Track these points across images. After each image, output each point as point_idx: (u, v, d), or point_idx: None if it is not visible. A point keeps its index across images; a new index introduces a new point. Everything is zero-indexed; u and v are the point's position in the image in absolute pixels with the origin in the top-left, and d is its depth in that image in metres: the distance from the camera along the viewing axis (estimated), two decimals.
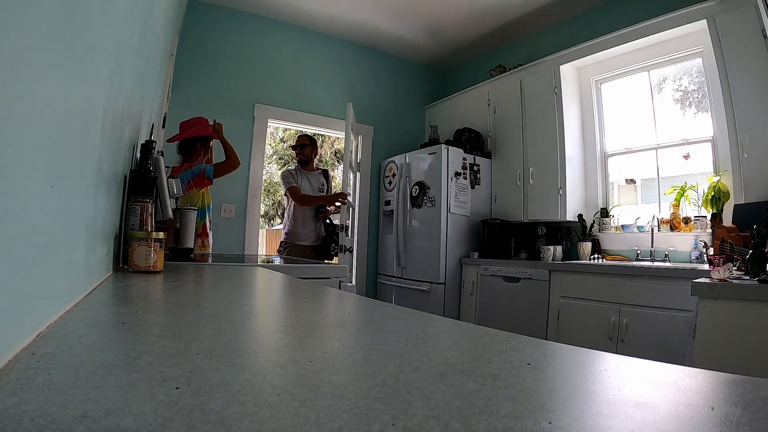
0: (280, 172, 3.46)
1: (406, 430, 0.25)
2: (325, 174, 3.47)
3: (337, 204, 3.28)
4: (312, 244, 3.25)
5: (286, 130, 12.07)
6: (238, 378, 0.33)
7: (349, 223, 3.63)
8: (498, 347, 0.49)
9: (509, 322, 3.08)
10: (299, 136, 3.49)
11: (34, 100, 0.36)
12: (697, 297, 1.56)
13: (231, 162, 2.63)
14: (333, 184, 3.59)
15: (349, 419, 0.26)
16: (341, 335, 0.56)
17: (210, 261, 1.87)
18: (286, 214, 3.38)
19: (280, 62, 3.89)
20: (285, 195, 3.35)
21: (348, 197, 3.38)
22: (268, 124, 3.87)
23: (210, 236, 2.62)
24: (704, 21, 2.54)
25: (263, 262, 2.02)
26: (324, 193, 3.38)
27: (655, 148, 3.15)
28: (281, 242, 3.32)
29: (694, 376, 0.40)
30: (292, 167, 3.41)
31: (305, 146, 3.37)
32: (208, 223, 2.56)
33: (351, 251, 3.76)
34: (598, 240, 3.22)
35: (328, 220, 3.36)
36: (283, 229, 3.37)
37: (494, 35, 4.04)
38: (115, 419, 0.25)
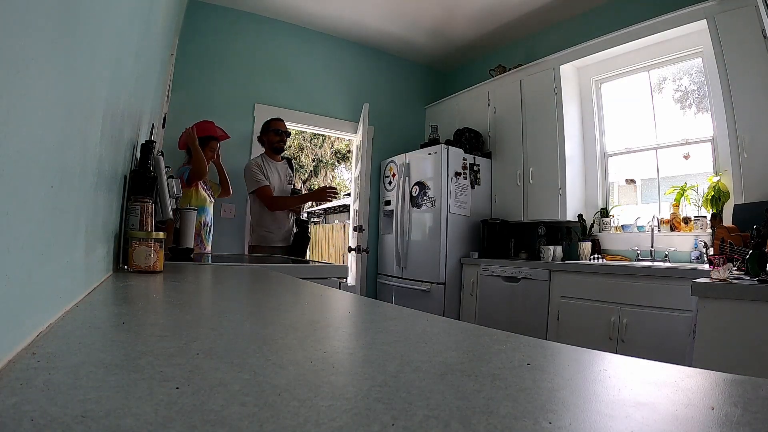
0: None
1: (406, 430, 0.25)
2: (290, 163, 3.05)
3: (329, 198, 2.93)
4: (285, 245, 2.83)
5: None
6: (238, 378, 0.33)
7: (359, 223, 3.55)
8: (498, 347, 0.49)
9: (509, 322, 3.08)
10: (279, 120, 2.91)
11: (34, 99, 0.36)
12: (696, 297, 1.56)
13: (200, 171, 2.53)
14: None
15: (349, 419, 0.26)
16: (341, 335, 0.56)
17: (210, 261, 1.87)
18: (250, 213, 2.94)
19: (280, 62, 3.89)
20: (251, 194, 2.75)
21: (334, 189, 2.97)
22: None
23: (205, 240, 2.63)
24: (704, 21, 2.54)
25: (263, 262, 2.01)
26: (292, 185, 2.94)
27: (655, 148, 3.15)
28: (250, 246, 2.91)
29: (694, 376, 0.40)
30: (257, 157, 2.85)
31: (287, 133, 2.91)
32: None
33: (367, 252, 3.66)
34: (598, 240, 3.22)
35: (303, 216, 2.98)
36: (250, 230, 2.94)
37: (494, 35, 4.04)
38: (115, 419, 0.25)
